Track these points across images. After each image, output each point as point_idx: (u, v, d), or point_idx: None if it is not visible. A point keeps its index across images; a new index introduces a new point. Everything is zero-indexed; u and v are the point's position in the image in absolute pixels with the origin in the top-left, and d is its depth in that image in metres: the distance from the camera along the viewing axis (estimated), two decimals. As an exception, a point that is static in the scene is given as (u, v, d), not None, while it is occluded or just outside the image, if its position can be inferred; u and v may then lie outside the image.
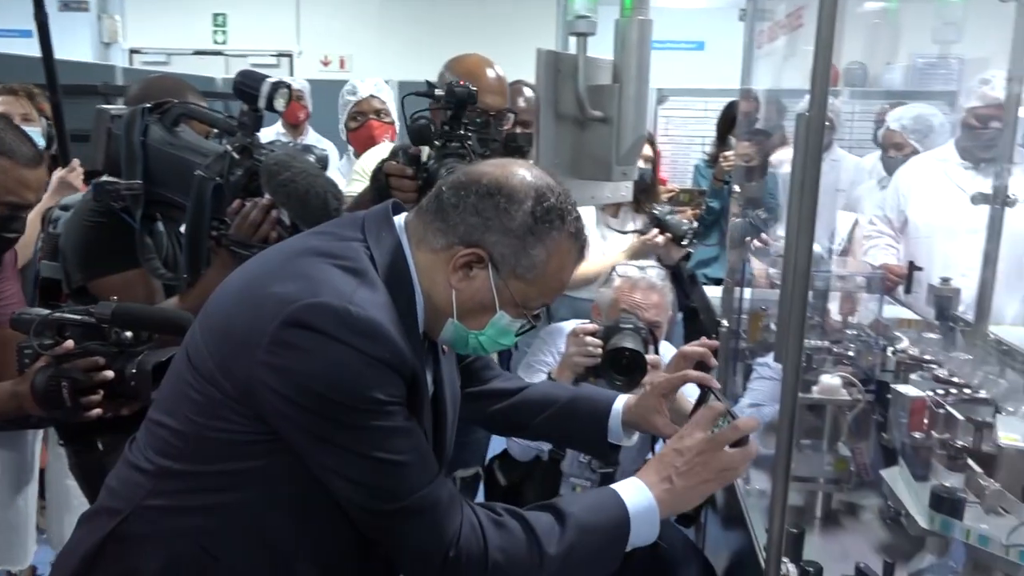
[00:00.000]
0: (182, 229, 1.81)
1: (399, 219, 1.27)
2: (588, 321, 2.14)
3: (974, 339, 2.20)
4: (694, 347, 1.57)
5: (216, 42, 7.73)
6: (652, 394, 1.50)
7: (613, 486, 1.26)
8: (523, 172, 1.22)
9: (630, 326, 1.99)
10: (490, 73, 2.21)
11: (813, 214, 1.41)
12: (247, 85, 1.70)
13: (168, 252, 1.95)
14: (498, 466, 2.26)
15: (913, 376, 1.82)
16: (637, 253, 2.58)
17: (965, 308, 2.34)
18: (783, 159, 3.77)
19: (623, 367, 1.92)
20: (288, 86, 1.72)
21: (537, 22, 7.03)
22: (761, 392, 2.09)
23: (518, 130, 2.80)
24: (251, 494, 1.17)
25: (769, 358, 2.18)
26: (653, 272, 2.19)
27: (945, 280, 2.34)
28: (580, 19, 2.06)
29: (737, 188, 2.63)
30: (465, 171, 1.25)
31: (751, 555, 1.67)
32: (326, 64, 7.33)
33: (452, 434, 1.39)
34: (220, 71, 7.14)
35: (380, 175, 1.83)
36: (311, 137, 4.18)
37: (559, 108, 2.11)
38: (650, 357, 1.94)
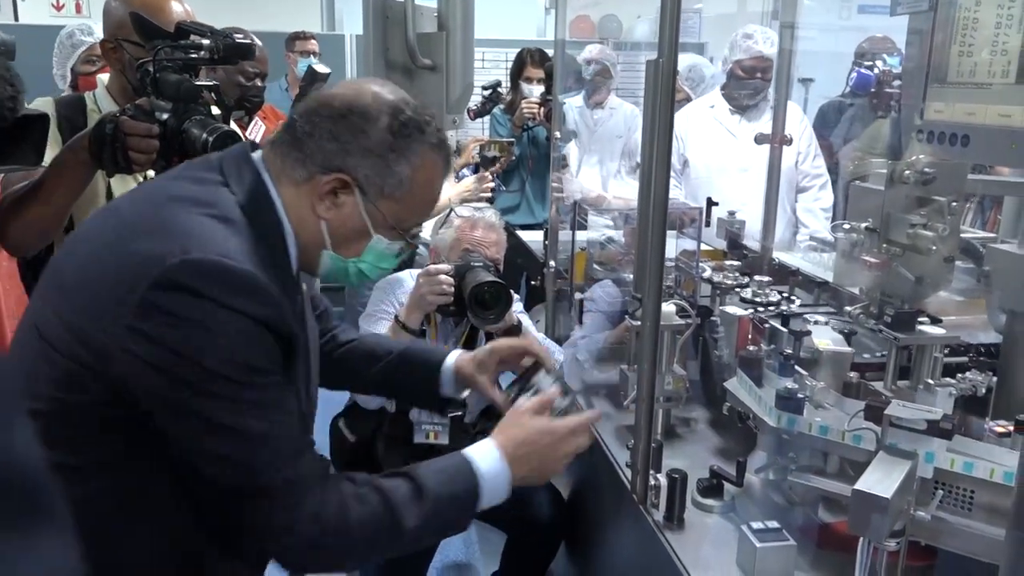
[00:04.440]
0: None
1: (256, 155, 1.20)
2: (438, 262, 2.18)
3: (762, 263, 2.50)
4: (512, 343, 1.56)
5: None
6: (490, 356, 1.51)
7: (467, 452, 1.24)
8: (375, 89, 1.17)
9: (480, 264, 2.05)
10: (177, 7, 1.79)
11: (668, 156, 1.54)
12: None
13: None
14: (344, 424, 2.25)
15: (729, 298, 2.06)
16: (472, 194, 2.66)
17: (747, 237, 2.65)
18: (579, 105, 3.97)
19: (488, 301, 1.98)
20: None
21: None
22: (592, 325, 2.25)
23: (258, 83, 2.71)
24: (119, 478, 1.10)
25: (595, 292, 2.35)
26: (489, 212, 2.26)
27: (732, 214, 2.63)
28: (407, -35, 2.05)
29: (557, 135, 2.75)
30: (315, 96, 1.20)
31: (609, 472, 1.82)
32: (59, 8, 6.53)
33: (316, 387, 1.35)
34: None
35: (109, 129, 1.56)
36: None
37: (388, 56, 2.09)
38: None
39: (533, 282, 2.87)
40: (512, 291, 2.06)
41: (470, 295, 1.99)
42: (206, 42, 1.56)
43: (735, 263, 2.29)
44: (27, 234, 1.68)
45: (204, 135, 1.55)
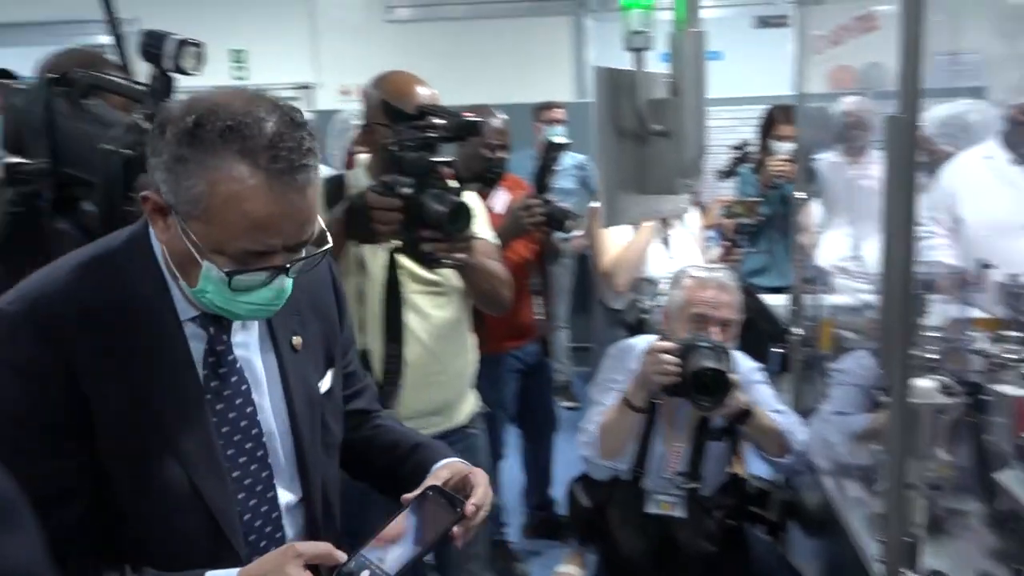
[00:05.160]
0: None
1: None
2: (662, 337, 2.12)
3: (1053, 335, 2.16)
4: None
5: (237, 78, 7.81)
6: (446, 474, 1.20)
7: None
8: (205, 95, 0.99)
9: (707, 344, 1.97)
10: (422, 91, 1.92)
11: (910, 219, 1.39)
12: (151, 45, 1.48)
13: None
14: (579, 487, 2.24)
15: (1007, 375, 1.79)
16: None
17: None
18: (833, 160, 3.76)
19: (707, 388, 1.90)
20: (197, 44, 1.56)
21: (552, 47, 7.06)
22: (844, 400, 2.06)
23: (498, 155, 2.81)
24: None
25: (847, 363, 2.15)
26: (721, 272, 2.18)
27: (1013, 277, 2.30)
28: (636, 35, 2.06)
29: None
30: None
31: (856, 566, 1.64)
32: (345, 93, 7.38)
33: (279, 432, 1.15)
34: (241, 107, 7.20)
35: (360, 205, 1.69)
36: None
37: (619, 124, 2.10)
38: (732, 377, 1.93)
39: (777, 349, 2.70)
40: (733, 376, 1.96)
41: (689, 377, 1.92)
42: (440, 122, 1.68)
43: (1016, 334, 2.00)
44: None
45: (439, 207, 1.65)
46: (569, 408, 4.47)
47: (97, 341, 1.02)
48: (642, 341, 2.21)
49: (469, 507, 1.08)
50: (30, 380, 1.00)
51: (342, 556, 1.01)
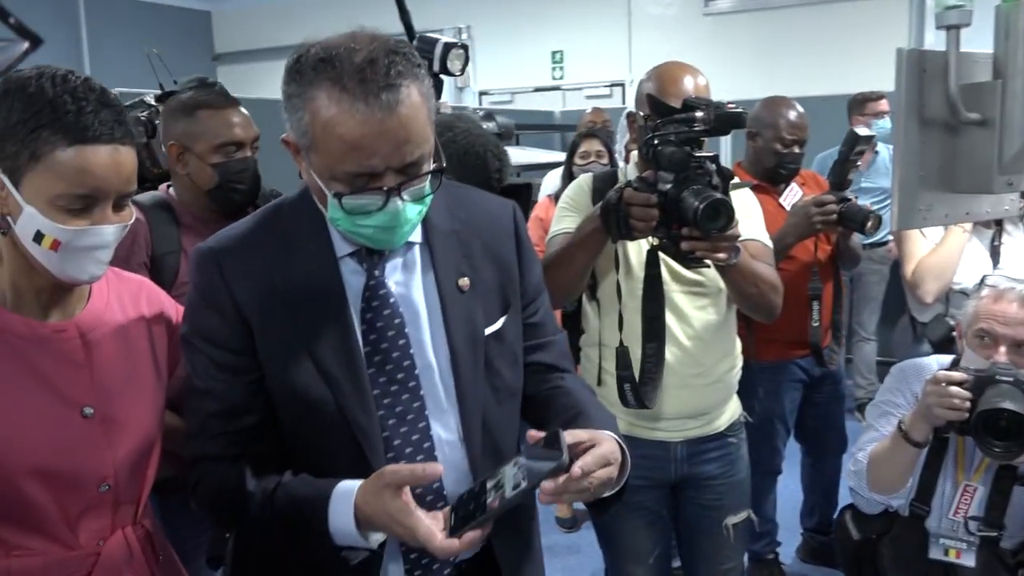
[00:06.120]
0: None
1: None
2: (949, 366, 1.83)
3: None
4: None
5: (554, 78, 8.16)
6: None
7: (332, 493, 1.08)
8: (347, 32, 1.07)
9: (1009, 379, 1.66)
10: (692, 82, 1.83)
11: None
12: (423, 50, 1.55)
13: None
14: (850, 518, 2.02)
15: None
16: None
17: None
18: None
19: (1001, 431, 1.61)
20: (464, 47, 1.55)
21: (884, 32, 6.41)
22: None
23: None
24: None
25: None
26: (1028, 284, 1.82)
27: None
28: (951, 9, 1.80)
29: None
30: None
31: None
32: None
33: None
34: (557, 105, 7.50)
35: (614, 199, 1.67)
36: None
37: (924, 113, 1.85)
38: None
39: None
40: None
41: (980, 415, 1.63)
42: (700, 115, 1.59)
43: None
44: (555, 293, 1.90)
45: (696, 203, 1.57)
46: (869, 428, 4.06)
47: (257, 274, 1.14)
48: (934, 362, 1.93)
49: (576, 469, 1.02)
50: (210, 305, 1.15)
51: (436, 469, 1.05)
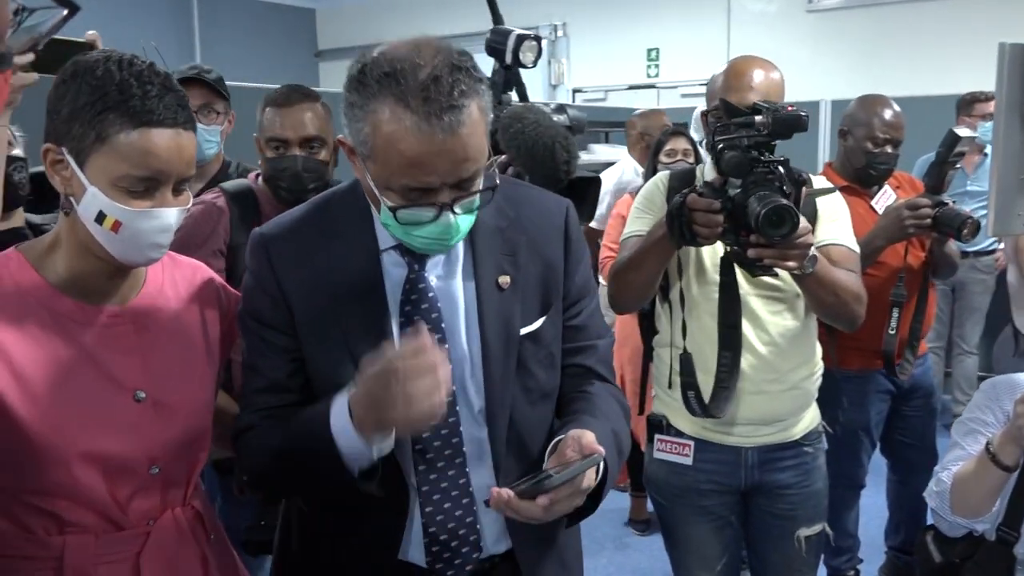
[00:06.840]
0: None
1: None
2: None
3: None
4: None
5: (649, 76, 8.06)
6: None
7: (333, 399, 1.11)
8: (380, 46, 1.09)
9: None
10: (762, 79, 1.78)
11: None
12: (496, 42, 1.55)
13: None
14: (932, 539, 1.91)
15: None
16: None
17: None
18: None
19: None
20: (537, 38, 1.53)
21: (999, 27, 6.05)
22: None
23: None
24: None
25: None
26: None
27: None
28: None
29: None
30: None
31: None
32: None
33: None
34: (652, 103, 7.40)
35: (677, 203, 1.64)
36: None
37: (1026, 111, 1.74)
38: None
39: None
40: None
41: None
42: (759, 119, 1.54)
43: None
44: (626, 296, 1.87)
45: (759, 209, 1.52)
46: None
47: (302, 260, 1.19)
48: (1025, 379, 1.80)
49: (543, 500, 1.04)
50: (260, 287, 1.21)
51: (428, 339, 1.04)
